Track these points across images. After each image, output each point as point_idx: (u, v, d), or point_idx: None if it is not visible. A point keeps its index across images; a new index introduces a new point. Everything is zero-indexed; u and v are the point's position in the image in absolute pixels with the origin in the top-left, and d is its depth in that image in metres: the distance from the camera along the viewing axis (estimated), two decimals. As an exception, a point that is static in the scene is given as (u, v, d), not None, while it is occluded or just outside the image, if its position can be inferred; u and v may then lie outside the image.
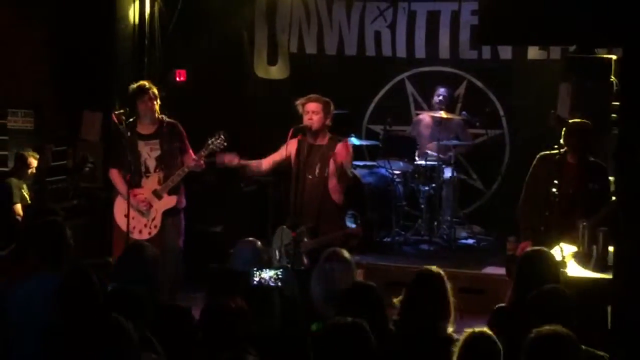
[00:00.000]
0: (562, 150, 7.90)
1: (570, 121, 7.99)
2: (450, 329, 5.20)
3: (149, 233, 8.05)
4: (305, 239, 7.49)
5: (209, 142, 7.95)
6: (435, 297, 5.19)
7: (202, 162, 8.03)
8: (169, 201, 8.08)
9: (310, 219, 7.67)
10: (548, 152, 8.06)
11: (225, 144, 7.96)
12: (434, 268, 5.37)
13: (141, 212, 8.04)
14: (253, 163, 8.05)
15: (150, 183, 8.09)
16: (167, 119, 8.23)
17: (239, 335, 4.66)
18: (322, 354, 4.22)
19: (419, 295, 5.19)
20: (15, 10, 10.37)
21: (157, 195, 8.06)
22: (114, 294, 5.09)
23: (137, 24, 10.94)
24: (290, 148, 7.84)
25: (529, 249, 5.90)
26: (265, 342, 4.95)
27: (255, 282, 5.03)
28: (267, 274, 4.98)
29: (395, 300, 5.29)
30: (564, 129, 7.91)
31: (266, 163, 8.02)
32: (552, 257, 5.76)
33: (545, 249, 5.80)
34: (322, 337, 4.26)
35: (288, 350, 4.86)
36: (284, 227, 7.71)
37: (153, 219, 8.07)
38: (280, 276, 4.92)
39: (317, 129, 7.78)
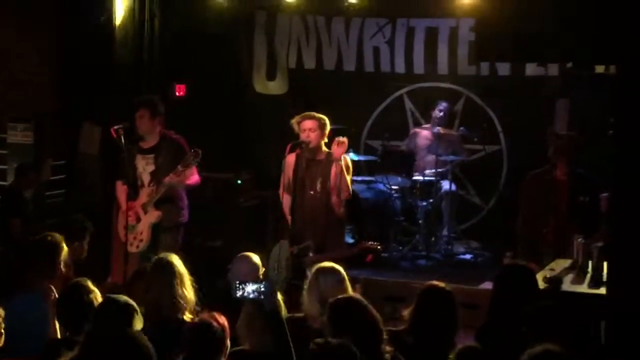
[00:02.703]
0: (548, 166, 7.96)
1: (559, 135, 8.02)
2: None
3: (137, 247, 8.09)
4: (311, 254, 7.49)
5: (185, 158, 7.95)
6: (447, 310, 5.26)
7: (179, 178, 7.96)
8: (153, 215, 8.10)
9: (316, 234, 7.68)
10: (535, 171, 8.11)
11: (198, 160, 7.92)
12: (440, 284, 5.45)
13: (131, 225, 8.07)
14: (288, 214, 8.00)
15: (141, 197, 8.14)
16: (172, 135, 8.26)
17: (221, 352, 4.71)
18: None
19: (431, 308, 5.27)
20: (15, 24, 10.42)
21: (144, 209, 8.11)
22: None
23: (137, 39, 10.99)
24: (288, 166, 7.84)
25: (506, 262, 5.90)
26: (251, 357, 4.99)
27: (237, 295, 5.03)
28: (250, 288, 4.97)
29: (405, 313, 5.37)
30: (553, 144, 7.95)
31: (285, 197, 7.99)
32: (530, 271, 5.74)
33: (523, 262, 5.79)
34: None
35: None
36: (286, 241, 7.71)
37: (141, 233, 8.11)
38: (262, 289, 4.92)
39: (314, 146, 7.80)
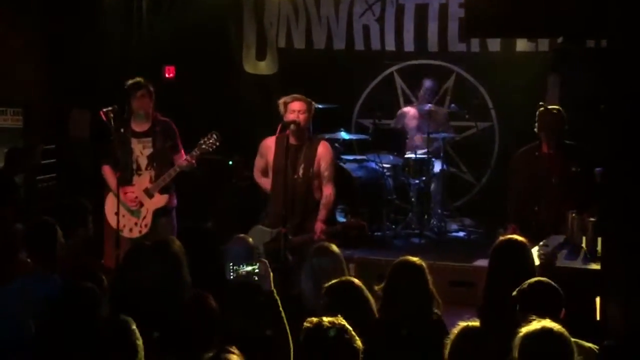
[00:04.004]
0: (535, 142, 7.93)
1: (543, 109, 7.98)
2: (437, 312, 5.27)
3: (140, 232, 8.03)
4: (290, 236, 7.49)
5: (201, 142, 7.91)
6: (415, 284, 5.23)
7: (194, 162, 7.95)
8: (160, 200, 8.05)
9: (295, 217, 7.68)
10: (522, 148, 8.08)
11: (218, 144, 7.91)
12: (412, 258, 5.42)
13: (131, 210, 8.03)
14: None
15: (142, 181, 8.06)
16: (161, 117, 8.18)
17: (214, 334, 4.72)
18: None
19: (399, 284, 5.24)
20: (2, 10, 10.35)
21: (149, 194, 8.03)
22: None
23: (125, 21, 10.94)
24: (268, 149, 7.83)
25: (500, 238, 5.78)
26: (248, 340, 4.97)
27: (231, 277, 5.02)
28: (245, 270, 4.97)
29: (377, 288, 5.34)
30: (538, 119, 7.92)
31: (264, 180, 8.08)
32: (525, 246, 5.68)
33: (517, 237, 5.68)
34: (305, 344, 4.23)
35: (271, 347, 4.87)
36: (260, 226, 7.72)
37: (144, 218, 8.05)
38: (257, 271, 4.92)
39: (302, 128, 7.76)
